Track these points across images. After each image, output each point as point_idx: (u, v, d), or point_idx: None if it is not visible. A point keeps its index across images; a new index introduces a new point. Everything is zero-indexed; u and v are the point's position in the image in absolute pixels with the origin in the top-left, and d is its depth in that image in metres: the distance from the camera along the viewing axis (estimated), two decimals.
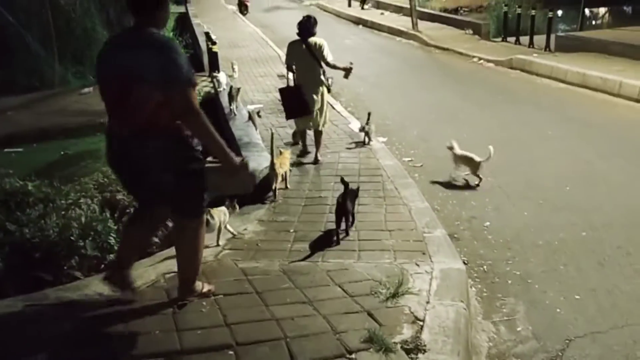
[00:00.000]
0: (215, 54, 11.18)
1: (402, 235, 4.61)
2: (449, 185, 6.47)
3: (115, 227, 5.11)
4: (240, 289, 3.61)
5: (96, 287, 3.60)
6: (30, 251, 4.42)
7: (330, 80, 6.85)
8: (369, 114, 7.49)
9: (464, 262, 4.54)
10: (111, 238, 4.89)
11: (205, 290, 3.50)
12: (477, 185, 6.41)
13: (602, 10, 23.97)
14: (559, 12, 14.77)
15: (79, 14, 14.84)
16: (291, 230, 4.78)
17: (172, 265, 3.94)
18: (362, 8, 23.81)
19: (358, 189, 5.03)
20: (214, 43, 11.28)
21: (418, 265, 3.99)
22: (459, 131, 8.07)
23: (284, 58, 7.87)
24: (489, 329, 3.79)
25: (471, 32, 17.26)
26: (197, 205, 3.31)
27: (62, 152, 8.94)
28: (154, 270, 3.86)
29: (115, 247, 4.86)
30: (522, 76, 12.14)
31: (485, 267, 4.63)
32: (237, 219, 4.99)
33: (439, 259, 4.13)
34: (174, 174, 3.11)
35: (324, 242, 4.51)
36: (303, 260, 4.17)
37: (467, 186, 6.42)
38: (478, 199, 6.06)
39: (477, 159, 6.41)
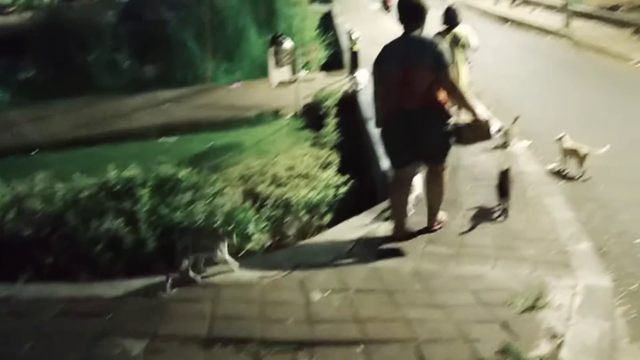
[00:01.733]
0: (355, 53, 11.30)
1: (543, 246, 4.38)
2: (597, 195, 6.02)
3: (255, 217, 5.38)
4: (371, 286, 3.64)
5: (240, 274, 3.79)
6: (178, 236, 4.78)
7: None
8: (516, 118, 7.19)
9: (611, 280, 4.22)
10: (250, 227, 5.14)
11: (444, 218, 4.78)
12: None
13: None
14: None
15: (232, 13, 15.75)
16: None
17: (307, 257, 4.09)
18: (513, 2, 22.63)
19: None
20: (354, 42, 11.40)
21: (559, 278, 3.77)
22: (609, 139, 7.46)
23: None
24: (637, 354, 3.49)
25: (632, 31, 15.88)
26: (447, 155, 4.55)
27: (210, 143, 9.55)
28: (290, 261, 4.01)
29: (254, 236, 5.13)
30: None
31: (635, 286, 4.25)
32: (369, 216, 5.04)
33: (583, 273, 3.87)
34: (441, 133, 4.38)
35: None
36: None
37: (613, 196, 5.93)
38: (631, 212, 5.58)
39: (584, 150, 6.30)
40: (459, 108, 4.83)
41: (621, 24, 16.84)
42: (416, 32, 4.41)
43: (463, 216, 5.05)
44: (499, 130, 7.15)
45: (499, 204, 5.02)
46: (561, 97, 10.48)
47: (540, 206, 5.25)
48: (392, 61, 4.37)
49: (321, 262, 4.01)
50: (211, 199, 5.31)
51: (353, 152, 7.79)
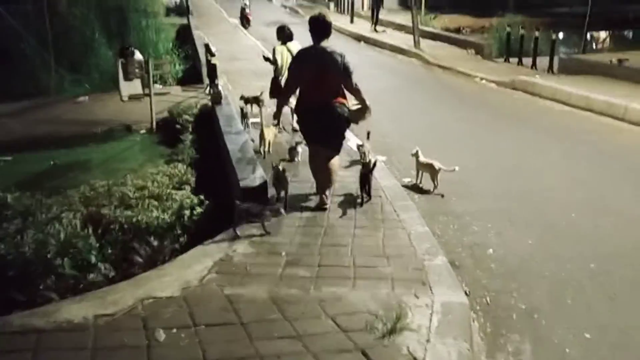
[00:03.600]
0: (214, 66, 10.94)
1: (400, 262, 4.34)
2: (449, 209, 6.20)
3: (98, 245, 4.84)
4: (224, 319, 3.33)
5: (68, 312, 3.31)
6: (4, 269, 4.14)
7: None
8: (368, 133, 7.26)
9: (466, 293, 4.27)
10: (92, 256, 4.61)
11: (328, 199, 5.62)
12: (432, 191, 6.64)
13: (603, 34, 23.96)
14: (561, 35, 14.63)
15: (78, 22, 14.67)
16: (283, 254, 4.50)
17: (153, 289, 3.68)
18: (375, 30, 22.91)
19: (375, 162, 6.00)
20: (212, 55, 11.05)
21: (417, 297, 3.72)
22: (460, 153, 7.86)
23: None
24: None
25: (473, 51, 17.11)
26: (341, 143, 5.84)
27: (51, 162, 8.67)
28: (132, 295, 3.58)
29: (97, 265, 4.61)
30: (524, 97, 11.92)
31: (488, 298, 4.35)
32: (225, 239, 4.72)
33: (440, 290, 3.86)
34: (341, 123, 5.60)
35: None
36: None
37: (464, 209, 6.16)
38: (480, 224, 5.80)
39: (437, 165, 6.62)
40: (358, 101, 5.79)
41: (465, 44, 18.07)
42: (324, 43, 5.52)
43: (324, 233, 4.91)
44: (359, 147, 7.18)
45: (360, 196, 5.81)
46: (413, 112, 10.91)
47: (397, 221, 5.26)
48: (307, 65, 5.47)
49: (169, 295, 3.62)
50: (45, 226, 4.69)
51: (211, 170, 7.41)
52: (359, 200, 5.77)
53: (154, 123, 10.06)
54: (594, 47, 20.53)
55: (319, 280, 3.98)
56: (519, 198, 6.49)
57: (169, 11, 28.25)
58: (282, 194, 5.73)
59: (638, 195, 6.49)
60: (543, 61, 13.97)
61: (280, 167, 5.70)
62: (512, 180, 7.07)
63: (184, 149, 8.29)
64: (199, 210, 5.89)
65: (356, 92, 5.60)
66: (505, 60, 15.56)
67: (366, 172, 5.79)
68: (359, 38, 21.96)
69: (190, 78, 14.25)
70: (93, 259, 4.60)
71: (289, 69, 5.88)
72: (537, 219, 5.88)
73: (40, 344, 2.97)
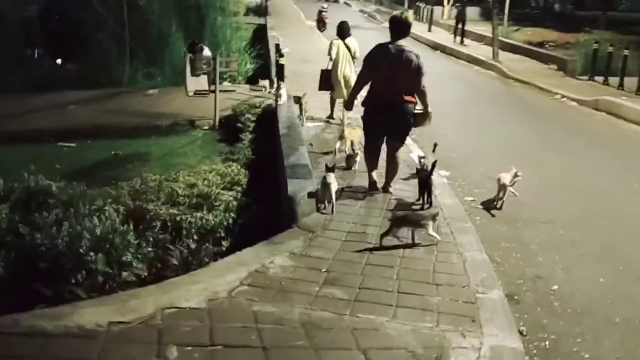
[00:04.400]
0: (282, 66, 10.77)
1: (451, 293, 3.93)
2: (514, 234, 5.70)
3: (137, 242, 4.69)
4: (245, 340, 3.03)
5: (81, 317, 3.10)
6: (35, 260, 4.04)
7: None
8: (435, 145, 6.87)
9: (522, 333, 3.82)
10: (128, 254, 4.45)
11: (392, 190, 5.99)
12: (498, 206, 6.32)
13: None
14: None
15: (156, 16, 14.92)
16: (323, 270, 4.17)
17: (178, 297, 3.44)
18: (462, 43, 21.37)
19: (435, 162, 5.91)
20: (281, 55, 10.89)
21: (464, 336, 3.30)
22: (531, 172, 7.28)
23: None
24: None
25: (555, 67, 16.21)
26: (405, 138, 6.11)
27: (113, 152, 8.73)
28: (154, 302, 3.35)
29: (133, 264, 4.46)
30: (608, 119, 11.07)
31: (547, 342, 3.87)
32: (265, 248, 4.45)
33: (492, 330, 3.42)
34: (408, 121, 5.73)
35: None
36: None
37: (530, 237, 5.63)
38: (547, 254, 5.28)
39: (503, 180, 6.25)
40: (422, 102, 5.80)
41: (547, 59, 17.18)
42: (401, 42, 5.64)
43: (371, 251, 4.56)
44: (420, 159, 6.77)
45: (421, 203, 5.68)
46: (483, 127, 10.33)
47: (453, 245, 4.83)
48: (383, 60, 5.58)
49: (193, 306, 3.37)
50: (84, 218, 4.58)
51: (265, 172, 7.21)
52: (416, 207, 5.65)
53: (217, 120, 9.99)
54: None
55: (357, 305, 3.63)
56: (593, 229, 5.91)
57: (249, 11, 28.65)
58: (326, 202, 5.38)
59: None
60: (632, 82, 12.99)
61: (327, 175, 5.37)
62: (586, 208, 6.46)
63: (241, 149, 8.14)
64: (245, 213, 5.68)
65: (423, 94, 5.70)
66: (589, 79, 14.61)
67: (426, 176, 5.67)
68: (435, 47, 21.38)
69: (261, 77, 14.21)
70: (129, 257, 4.44)
71: (364, 60, 5.85)
72: (611, 255, 5.29)
73: (43, 350, 2.76)
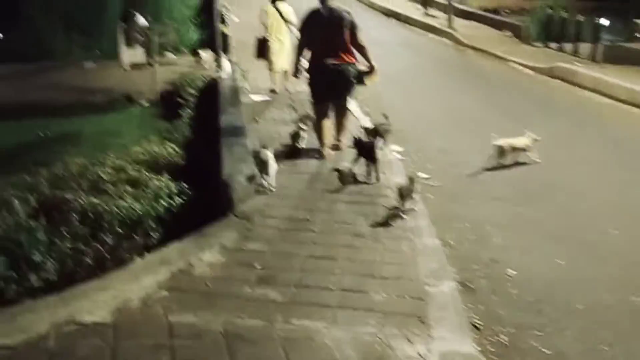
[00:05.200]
0: (226, 36, 10.11)
1: (398, 288, 3.53)
2: (468, 214, 5.35)
3: (48, 240, 4.13)
4: (152, 357, 2.56)
5: None
6: None
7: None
8: (385, 117, 6.49)
9: (476, 327, 3.47)
10: (37, 254, 3.89)
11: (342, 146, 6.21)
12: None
13: None
14: (606, 22, 13.43)
15: None
16: (258, 266, 3.72)
17: (81, 310, 2.94)
18: (427, 14, 20.99)
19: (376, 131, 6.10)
20: (223, 22, 10.19)
21: (411, 342, 2.91)
22: (486, 144, 6.95)
23: None
24: None
25: (510, 34, 15.94)
26: (350, 95, 6.15)
27: (39, 133, 7.99)
28: (50, 317, 2.84)
29: (44, 266, 3.91)
30: (562, 86, 10.84)
31: (505, 337, 3.51)
32: (193, 242, 3.96)
33: (442, 332, 3.04)
34: (351, 79, 5.86)
35: None
36: None
37: (485, 216, 5.29)
38: (503, 235, 4.94)
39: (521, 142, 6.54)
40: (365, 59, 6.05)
41: (501, 25, 16.90)
42: (330, 3, 5.80)
43: (313, 241, 4.13)
44: (366, 130, 6.38)
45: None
46: (437, 97, 9.97)
47: (402, 230, 4.44)
48: (318, 23, 5.77)
49: (97, 320, 2.87)
50: None
51: (205, 153, 6.65)
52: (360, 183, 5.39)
53: (156, 95, 9.32)
54: None
55: (292, 308, 3.19)
56: (550, 204, 5.61)
57: None
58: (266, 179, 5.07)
59: None
60: (585, 48, 12.80)
61: (263, 152, 4.97)
62: (543, 181, 6.16)
63: (179, 126, 7.55)
64: (177, 199, 5.14)
65: (363, 49, 5.94)
66: (544, 45, 14.39)
67: (369, 146, 5.51)
68: (389, 14, 20.85)
69: (208, 48, 13.47)
70: (38, 257, 3.89)
71: (301, 27, 6.13)
72: (570, 233, 4.99)
73: None
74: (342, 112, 6.25)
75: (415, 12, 20.43)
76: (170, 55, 11.81)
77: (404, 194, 4.84)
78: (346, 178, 5.29)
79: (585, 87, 10.42)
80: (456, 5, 18.64)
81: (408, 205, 4.83)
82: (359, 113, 8.02)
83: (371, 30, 16.86)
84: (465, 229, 5.04)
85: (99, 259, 4.11)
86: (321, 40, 5.81)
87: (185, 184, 5.52)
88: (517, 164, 6.55)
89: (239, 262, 3.77)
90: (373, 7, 22.83)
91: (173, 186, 5.33)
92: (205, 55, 10.96)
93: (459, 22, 17.26)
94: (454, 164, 6.70)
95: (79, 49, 12.84)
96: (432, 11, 20.17)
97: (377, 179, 5.44)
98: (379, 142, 5.78)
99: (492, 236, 4.94)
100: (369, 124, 6.93)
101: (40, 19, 12.62)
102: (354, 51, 5.95)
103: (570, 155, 7.01)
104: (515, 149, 6.52)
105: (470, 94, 10.20)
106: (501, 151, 6.45)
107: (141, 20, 9.80)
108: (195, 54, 12.62)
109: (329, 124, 6.19)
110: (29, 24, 12.54)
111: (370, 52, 6.04)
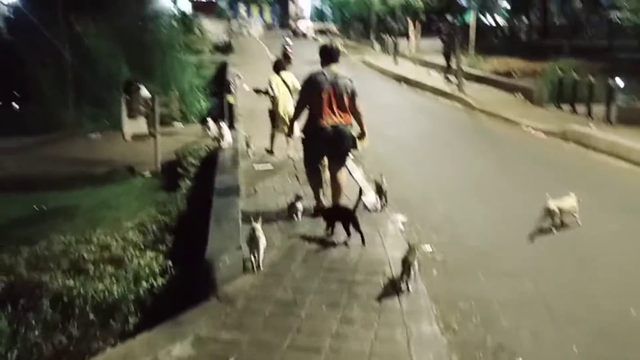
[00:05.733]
0: (230, 105, 10.06)
1: None
2: (475, 291, 4.94)
3: (10, 330, 3.82)
4: None
5: None
6: None
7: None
8: (381, 177, 6.46)
9: None
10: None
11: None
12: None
13: None
14: (620, 82, 13.18)
15: (104, 55, 14.18)
16: None
17: None
18: (448, 80, 20.82)
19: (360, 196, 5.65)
20: (229, 92, 10.18)
21: None
22: (494, 213, 6.60)
23: None
24: None
25: (522, 96, 15.77)
26: (346, 157, 6.18)
27: (35, 207, 7.84)
28: None
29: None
30: (576, 150, 10.47)
31: None
32: (165, 332, 3.61)
33: None
34: (348, 143, 5.95)
35: None
36: None
37: (497, 296, 4.87)
38: (512, 316, 4.50)
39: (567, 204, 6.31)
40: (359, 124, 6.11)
41: (513, 88, 16.78)
42: (333, 68, 5.96)
43: (297, 329, 3.76)
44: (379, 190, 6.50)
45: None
46: (446, 164, 9.65)
47: (399, 313, 4.05)
48: (320, 86, 5.81)
49: None
50: None
51: (197, 226, 6.39)
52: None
53: (158, 165, 9.20)
54: None
55: None
56: (564, 280, 5.17)
57: (218, 49, 28.54)
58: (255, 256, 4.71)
59: None
60: (599, 110, 12.51)
61: (253, 227, 4.68)
62: (557, 254, 5.74)
63: (176, 199, 7.34)
64: (160, 280, 4.84)
65: (359, 115, 6.03)
66: (556, 107, 14.15)
67: (346, 211, 5.47)
68: (400, 79, 20.94)
69: (220, 117, 13.51)
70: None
71: (302, 87, 6.20)
72: (586, 315, 4.54)
73: None
74: (338, 173, 6.20)
75: (426, 76, 20.46)
76: (178, 125, 11.82)
77: (403, 270, 4.49)
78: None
79: (600, 151, 10.05)
80: (468, 69, 18.66)
81: (407, 283, 4.46)
82: (363, 181, 7.72)
83: (381, 94, 16.96)
84: (471, 309, 4.61)
85: (65, 350, 3.78)
86: (321, 102, 5.84)
87: (171, 262, 5.24)
88: (538, 233, 6.17)
89: (211, 356, 3.39)
90: (385, 73, 23.01)
91: (156, 265, 5.04)
92: (213, 124, 10.92)
93: (470, 85, 17.18)
94: (461, 234, 6.33)
95: (88, 120, 13.01)
96: (449, 76, 20.08)
97: (363, 241, 5.36)
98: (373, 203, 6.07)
99: (500, 317, 4.50)
100: (372, 198, 6.70)
101: (51, 91, 12.85)
102: (349, 116, 6.00)
103: (585, 225, 6.58)
104: (563, 212, 6.28)
105: (480, 159, 9.89)
106: (551, 214, 6.22)
107: (144, 92, 9.80)
108: (203, 122, 12.67)
109: (324, 184, 6.29)
110: (39, 96, 12.76)
111: (364, 118, 6.06)
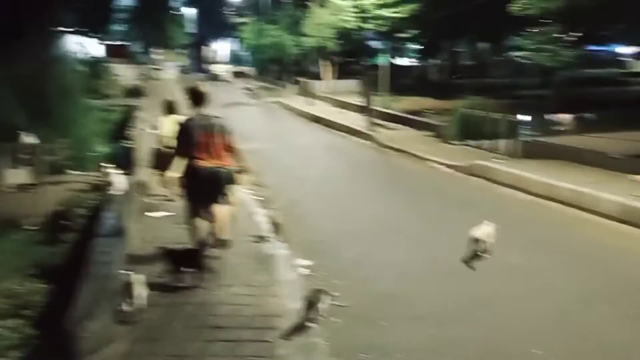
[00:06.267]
0: (128, 149, 9.45)
1: None
2: (377, 340, 4.60)
3: None
4: None
5: None
6: None
7: None
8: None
9: None
10: None
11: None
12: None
13: (566, 116, 23.18)
14: (524, 117, 13.72)
15: None
16: None
17: None
18: (310, 104, 20.82)
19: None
20: (130, 136, 9.56)
21: None
22: (402, 252, 6.36)
23: None
24: None
25: (431, 134, 16.03)
26: (225, 195, 6.01)
27: None
28: None
29: None
30: (482, 184, 10.54)
31: None
32: None
33: None
34: (227, 183, 5.96)
35: None
36: None
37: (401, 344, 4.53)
38: None
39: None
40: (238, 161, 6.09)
41: (422, 126, 17.07)
42: (203, 111, 5.92)
43: None
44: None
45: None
46: (355, 202, 9.42)
47: None
48: (195, 130, 5.76)
49: None
50: None
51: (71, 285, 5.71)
52: None
53: (42, 218, 8.35)
54: (559, 129, 19.64)
55: None
56: (473, 323, 4.93)
57: (130, 93, 27.81)
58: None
59: (617, 313, 4.98)
60: (504, 145, 12.83)
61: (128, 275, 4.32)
62: (464, 295, 5.53)
63: (54, 256, 6.61)
64: (15, 353, 4.17)
65: (238, 152, 6.06)
66: (463, 144, 14.41)
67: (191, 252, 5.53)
68: (313, 119, 20.94)
69: (125, 161, 12.75)
70: None
71: (179, 134, 6.01)
72: (492, 356, 4.27)
73: None
74: (218, 209, 6.09)
75: (339, 116, 20.56)
76: (72, 173, 10.99)
77: (297, 325, 4.08)
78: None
79: (504, 184, 10.16)
80: (380, 109, 18.92)
81: (302, 338, 4.04)
82: (266, 227, 7.29)
83: (295, 135, 16.80)
84: None
85: None
86: (196, 145, 5.81)
87: (37, 331, 4.57)
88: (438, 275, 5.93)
89: None
90: (300, 114, 22.96)
91: (16, 336, 4.37)
92: (107, 171, 10.21)
93: (382, 124, 17.37)
94: (367, 278, 6.02)
95: None
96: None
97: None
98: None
99: None
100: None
101: None
102: (227, 154, 5.97)
103: (491, 260, 6.43)
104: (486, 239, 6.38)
105: (388, 198, 9.73)
106: (477, 241, 6.32)
107: (27, 139, 9.01)
108: (101, 169, 11.88)
109: (204, 224, 6.11)
110: None
111: (242, 152, 6.06)
